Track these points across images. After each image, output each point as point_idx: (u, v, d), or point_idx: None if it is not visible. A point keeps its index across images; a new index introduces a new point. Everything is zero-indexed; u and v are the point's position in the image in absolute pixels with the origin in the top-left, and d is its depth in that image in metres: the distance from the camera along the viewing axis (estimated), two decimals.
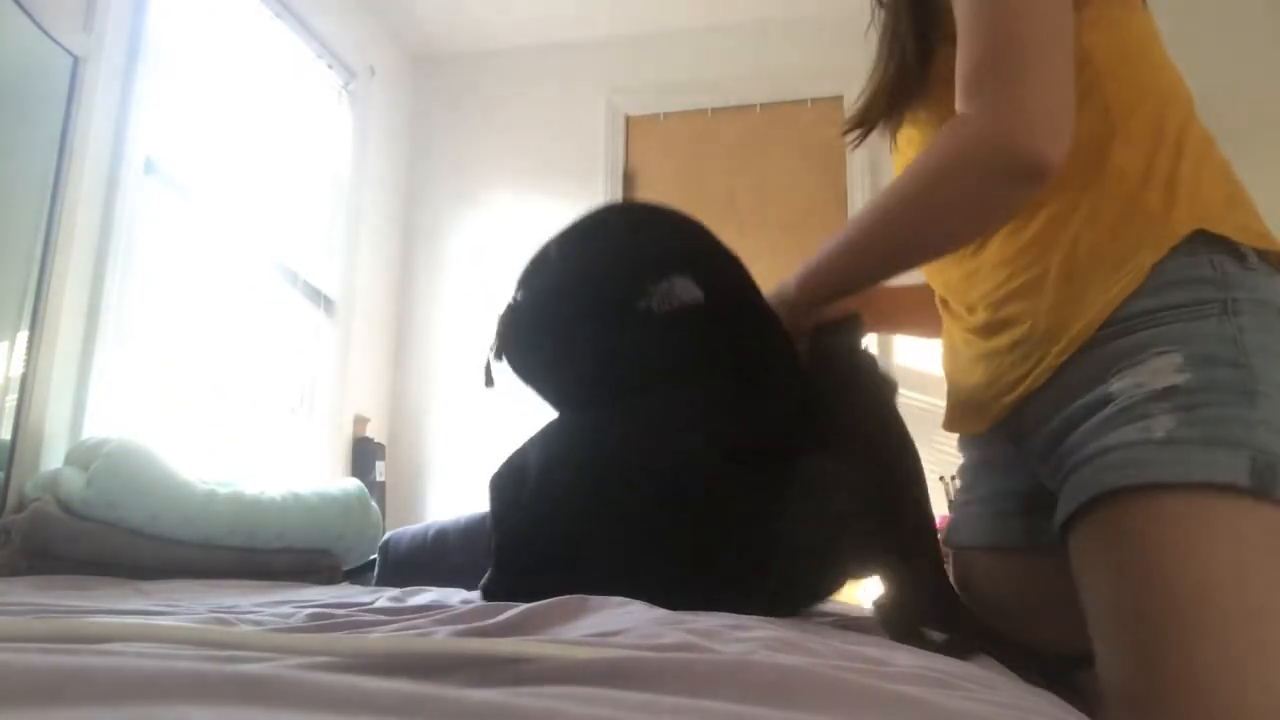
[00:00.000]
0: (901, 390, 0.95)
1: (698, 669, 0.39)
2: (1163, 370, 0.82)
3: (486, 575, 0.88)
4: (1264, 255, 0.85)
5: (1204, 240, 0.84)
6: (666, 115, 3.60)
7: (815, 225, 3.33)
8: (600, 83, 3.62)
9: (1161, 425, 0.80)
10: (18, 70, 2.04)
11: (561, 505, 0.83)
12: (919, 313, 1.15)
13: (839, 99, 3.35)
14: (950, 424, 1.08)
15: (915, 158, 0.87)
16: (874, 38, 1.02)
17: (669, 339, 0.83)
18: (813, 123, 3.43)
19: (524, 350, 0.90)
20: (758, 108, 3.52)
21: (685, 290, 0.82)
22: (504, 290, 0.93)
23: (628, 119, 3.63)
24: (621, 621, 0.59)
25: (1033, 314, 0.92)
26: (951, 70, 0.87)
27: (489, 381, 0.93)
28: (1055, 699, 0.56)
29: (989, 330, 0.98)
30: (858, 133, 1.04)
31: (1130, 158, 0.87)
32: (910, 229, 0.89)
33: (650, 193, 3.53)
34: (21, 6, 1.97)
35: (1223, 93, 3.01)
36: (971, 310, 1.00)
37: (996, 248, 0.95)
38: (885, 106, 0.99)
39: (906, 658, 0.54)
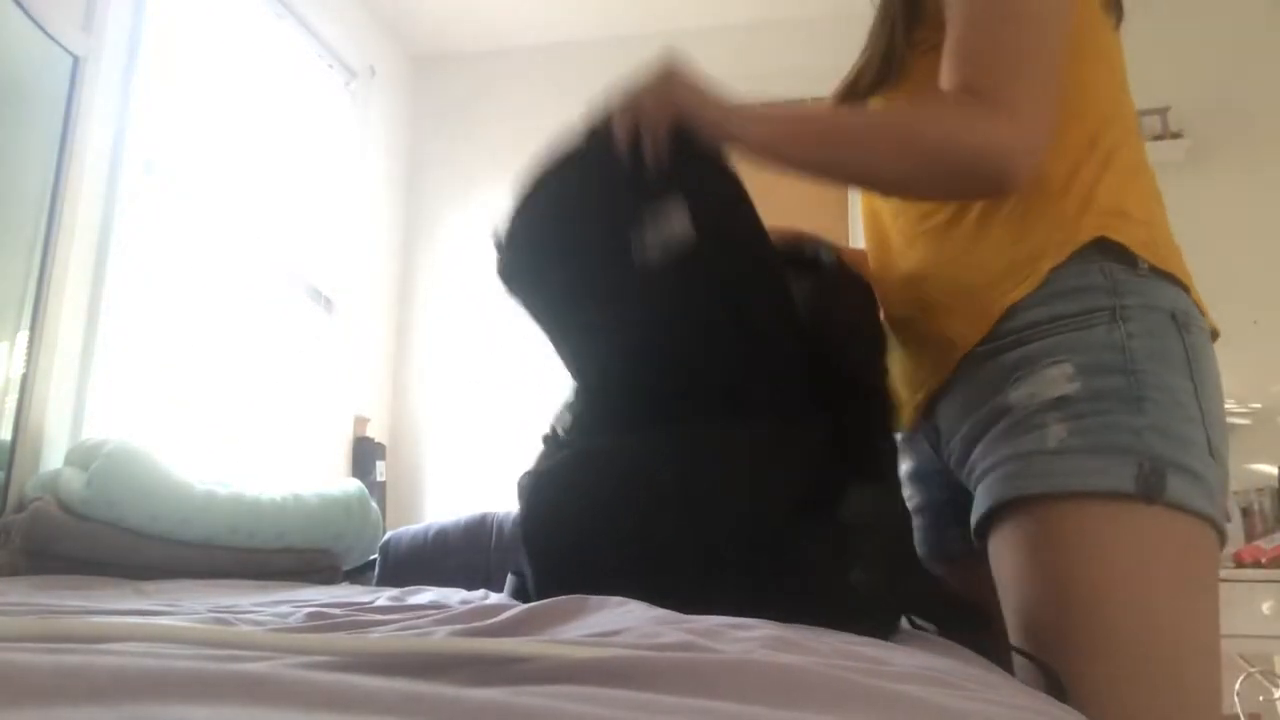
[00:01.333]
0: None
1: (697, 669, 0.39)
2: (1055, 380, 0.83)
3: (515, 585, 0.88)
4: (1156, 269, 0.85)
5: (1100, 248, 0.85)
6: None
7: (815, 225, 3.32)
8: (600, 83, 3.61)
9: (1054, 435, 0.81)
10: (18, 70, 2.04)
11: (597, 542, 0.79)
12: None
13: None
14: None
15: (911, 103, 0.88)
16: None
17: (665, 298, 0.82)
18: None
19: (522, 279, 0.90)
20: None
21: (678, 222, 0.81)
22: (503, 290, 0.93)
23: None
24: (621, 621, 0.59)
25: (937, 311, 0.93)
26: (928, 54, 0.87)
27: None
28: (1054, 699, 0.56)
29: (904, 324, 0.99)
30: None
31: (1057, 167, 0.87)
32: (867, 163, 0.86)
33: None
34: (21, 6, 1.96)
35: (1222, 92, 3.02)
36: (891, 302, 1.01)
37: (923, 245, 0.95)
38: (871, 80, 0.99)
39: (906, 658, 0.54)
